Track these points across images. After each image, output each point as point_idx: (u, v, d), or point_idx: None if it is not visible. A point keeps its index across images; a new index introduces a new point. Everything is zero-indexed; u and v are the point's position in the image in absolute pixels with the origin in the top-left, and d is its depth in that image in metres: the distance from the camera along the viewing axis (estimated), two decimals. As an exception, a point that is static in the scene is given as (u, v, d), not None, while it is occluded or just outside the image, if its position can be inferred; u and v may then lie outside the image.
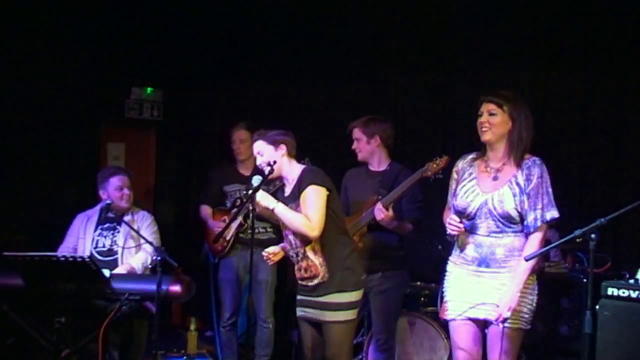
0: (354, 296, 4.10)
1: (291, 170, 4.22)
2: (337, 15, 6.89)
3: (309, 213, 4.02)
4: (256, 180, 4.19)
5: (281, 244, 4.43)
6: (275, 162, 4.16)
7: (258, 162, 4.26)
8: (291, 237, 4.21)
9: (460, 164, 3.95)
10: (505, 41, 5.98)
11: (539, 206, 3.68)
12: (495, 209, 3.71)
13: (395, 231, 4.85)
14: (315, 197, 4.04)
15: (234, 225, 5.59)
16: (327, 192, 4.08)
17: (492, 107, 3.77)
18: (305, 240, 4.11)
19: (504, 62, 5.98)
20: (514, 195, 3.70)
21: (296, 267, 4.23)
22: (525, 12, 5.87)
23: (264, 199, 4.14)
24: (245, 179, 5.77)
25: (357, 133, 5.03)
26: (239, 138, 5.82)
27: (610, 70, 5.45)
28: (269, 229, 5.74)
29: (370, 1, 6.75)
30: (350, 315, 4.09)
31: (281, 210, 4.10)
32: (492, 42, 6.04)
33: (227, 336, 5.82)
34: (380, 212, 4.67)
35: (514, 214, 3.70)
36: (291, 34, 7.15)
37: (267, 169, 4.19)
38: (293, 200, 4.15)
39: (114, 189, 5.17)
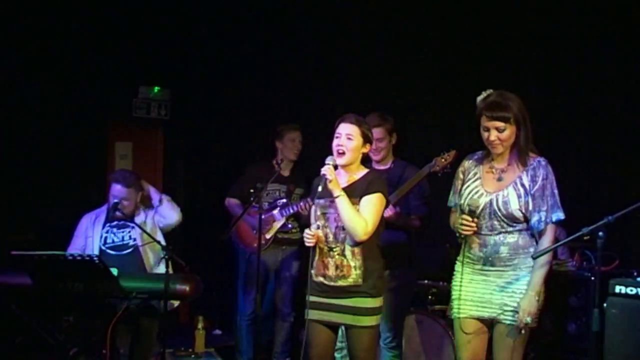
0: (381, 302, 4.09)
1: (356, 167, 4.15)
2: (341, 14, 6.90)
3: (369, 217, 3.98)
4: (331, 159, 4.06)
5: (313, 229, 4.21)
6: (336, 167, 4.07)
7: (340, 143, 4.06)
8: (332, 230, 4.08)
9: (467, 164, 3.94)
10: (509, 39, 5.97)
11: (544, 208, 3.66)
12: (499, 209, 3.71)
13: (402, 227, 4.84)
14: (379, 206, 4.03)
15: (277, 225, 5.71)
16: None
17: (499, 124, 3.69)
18: (352, 239, 4.01)
19: (508, 60, 5.96)
20: (519, 197, 3.69)
21: (323, 262, 4.09)
22: (528, 10, 5.86)
23: (335, 179, 4.00)
24: (284, 180, 5.85)
25: (381, 132, 4.87)
26: (298, 139, 5.94)
27: (618, 66, 5.43)
28: (295, 224, 5.85)
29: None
30: (378, 320, 4.10)
31: (344, 201, 3.96)
32: (496, 40, 6.04)
33: (248, 330, 5.88)
34: (388, 210, 4.67)
35: (519, 214, 3.69)
36: (297, 33, 7.17)
37: (340, 159, 4.07)
38: (350, 195, 4.01)
39: (112, 196, 5.22)
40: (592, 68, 5.57)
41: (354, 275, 4.01)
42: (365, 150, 4.14)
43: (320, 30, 7.06)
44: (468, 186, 3.85)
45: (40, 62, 6.72)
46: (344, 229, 4.03)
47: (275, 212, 5.71)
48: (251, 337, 5.89)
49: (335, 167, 4.07)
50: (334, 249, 4.06)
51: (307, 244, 4.12)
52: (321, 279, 4.10)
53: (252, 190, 5.71)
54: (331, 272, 4.06)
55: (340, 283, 4.04)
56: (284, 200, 5.74)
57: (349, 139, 4.07)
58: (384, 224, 4.20)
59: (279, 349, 5.91)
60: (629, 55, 5.35)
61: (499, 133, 3.71)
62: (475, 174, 3.86)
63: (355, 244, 4.01)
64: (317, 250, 4.13)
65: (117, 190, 5.22)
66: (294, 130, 5.94)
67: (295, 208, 5.60)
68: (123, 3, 7.14)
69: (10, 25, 6.50)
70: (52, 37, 6.79)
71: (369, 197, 4.01)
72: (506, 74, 5.90)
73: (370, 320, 4.02)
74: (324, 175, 3.98)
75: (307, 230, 4.13)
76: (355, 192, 4.04)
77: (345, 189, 4.04)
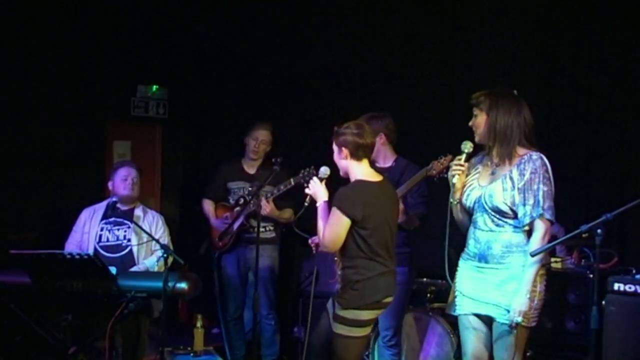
0: (357, 315, 4.06)
1: (353, 174, 4.14)
2: (339, 13, 6.90)
3: (325, 231, 4.05)
4: (323, 172, 4.22)
5: None
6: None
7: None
8: None
9: (473, 161, 3.95)
10: (510, 38, 5.97)
11: (530, 202, 3.64)
12: (486, 202, 3.72)
13: (402, 226, 4.83)
14: (332, 220, 4.02)
15: (236, 224, 5.64)
16: (350, 222, 3.99)
17: (473, 109, 3.80)
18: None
19: (509, 59, 5.97)
20: (504, 190, 3.69)
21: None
22: (531, 10, 5.86)
23: (317, 192, 4.16)
24: (250, 177, 5.82)
25: None
26: (260, 138, 5.83)
27: (618, 65, 5.43)
28: (270, 227, 5.81)
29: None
30: (355, 332, 4.08)
31: (320, 209, 4.12)
32: (497, 40, 6.04)
33: (234, 330, 5.88)
34: None
35: (504, 208, 3.69)
36: (297, 32, 7.17)
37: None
38: None
39: (120, 179, 5.23)
40: (592, 67, 5.57)
41: (339, 282, 4.14)
42: (343, 155, 4.12)
43: (320, 29, 7.06)
44: (468, 180, 3.87)
45: (39, 62, 6.71)
46: None
47: (236, 210, 5.70)
48: (240, 335, 5.91)
49: (322, 179, 4.21)
50: (335, 256, 4.21)
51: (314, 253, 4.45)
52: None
53: (250, 189, 5.74)
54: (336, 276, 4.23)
55: (337, 287, 4.20)
56: (242, 200, 5.71)
57: (333, 151, 4.18)
58: (373, 238, 4.09)
59: (264, 352, 5.88)
60: (629, 55, 5.35)
61: (473, 119, 3.80)
62: (477, 168, 3.89)
63: (336, 253, 4.13)
64: None
65: (127, 170, 5.25)
66: (260, 129, 5.84)
67: (252, 207, 5.54)
68: (121, 2, 7.14)
69: (9, 25, 6.50)
70: (51, 36, 6.79)
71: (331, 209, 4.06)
72: (506, 73, 5.91)
73: (340, 329, 4.08)
74: (307, 192, 4.21)
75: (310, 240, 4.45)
76: None
77: None
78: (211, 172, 6.15)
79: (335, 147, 4.15)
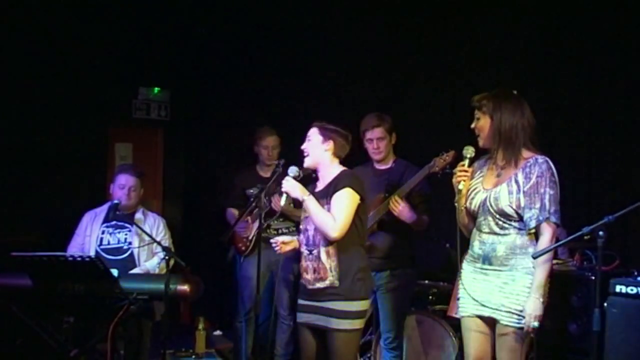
0: (361, 305, 4.05)
1: (330, 168, 4.16)
2: (340, 13, 6.90)
3: (336, 214, 3.98)
4: (292, 170, 4.21)
5: (296, 237, 4.39)
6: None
7: (303, 146, 4.22)
8: (311, 233, 4.15)
9: (476, 164, 3.94)
10: (511, 38, 5.97)
11: (537, 205, 3.62)
12: (491, 206, 3.71)
13: (412, 225, 4.82)
14: (347, 200, 4.00)
15: (255, 225, 5.64)
16: (360, 201, 4.03)
17: (475, 111, 3.79)
18: (324, 239, 4.06)
19: (508, 60, 5.96)
20: (510, 193, 3.68)
21: (304, 265, 4.18)
22: (532, 10, 5.86)
23: (293, 189, 4.13)
24: (266, 181, 5.82)
25: (381, 132, 4.91)
26: (271, 144, 5.88)
27: (619, 64, 5.42)
28: (292, 229, 5.80)
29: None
30: (357, 324, 4.05)
31: (311, 203, 4.06)
32: (496, 40, 6.04)
33: (242, 331, 5.88)
34: (398, 205, 4.66)
35: (510, 211, 3.67)
36: (297, 34, 7.17)
37: (305, 162, 4.21)
38: (323, 197, 4.11)
39: (118, 186, 5.23)
40: (592, 67, 5.57)
41: (330, 277, 4.05)
42: (327, 147, 4.14)
43: (319, 30, 7.05)
44: (472, 184, 3.86)
45: (41, 64, 6.72)
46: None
47: (250, 210, 5.70)
48: (247, 337, 5.91)
49: (297, 177, 4.19)
50: (313, 252, 4.12)
51: (277, 252, 4.30)
52: (304, 282, 4.18)
53: (252, 191, 5.74)
54: (310, 275, 4.13)
55: (318, 285, 4.09)
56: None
57: (308, 140, 4.18)
58: (365, 226, 4.16)
59: (279, 351, 5.90)
60: (629, 55, 5.34)
61: (476, 121, 3.79)
62: (481, 171, 3.88)
63: (328, 243, 4.05)
64: (302, 254, 4.20)
65: (125, 179, 5.22)
66: (269, 136, 5.89)
67: (267, 206, 5.54)
68: (122, 4, 7.15)
69: (10, 28, 6.51)
70: (52, 39, 6.80)
71: (337, 194, 4.03)
72: (506, 73, 5.90)
73: (343, 324, 4.00)
74: (282, 190, 4.16)
75: (272, 240, 4.31)
76: (328, 193, 4.08)
77: (320, 192, 4.14)
78: (212, 175, 6.17)
79: (319, 136, 4.15)
